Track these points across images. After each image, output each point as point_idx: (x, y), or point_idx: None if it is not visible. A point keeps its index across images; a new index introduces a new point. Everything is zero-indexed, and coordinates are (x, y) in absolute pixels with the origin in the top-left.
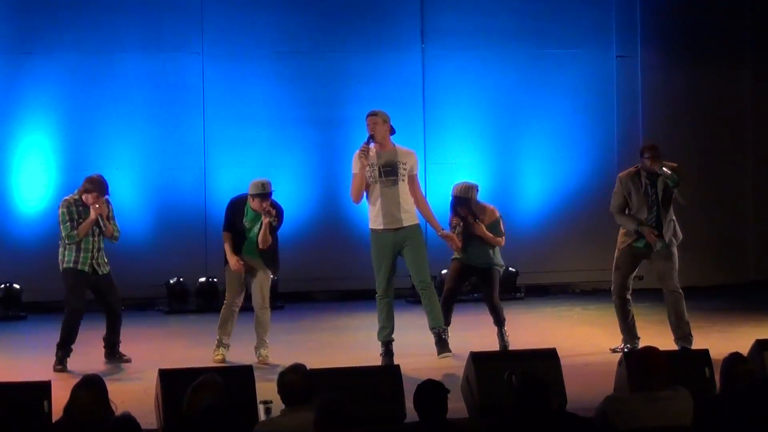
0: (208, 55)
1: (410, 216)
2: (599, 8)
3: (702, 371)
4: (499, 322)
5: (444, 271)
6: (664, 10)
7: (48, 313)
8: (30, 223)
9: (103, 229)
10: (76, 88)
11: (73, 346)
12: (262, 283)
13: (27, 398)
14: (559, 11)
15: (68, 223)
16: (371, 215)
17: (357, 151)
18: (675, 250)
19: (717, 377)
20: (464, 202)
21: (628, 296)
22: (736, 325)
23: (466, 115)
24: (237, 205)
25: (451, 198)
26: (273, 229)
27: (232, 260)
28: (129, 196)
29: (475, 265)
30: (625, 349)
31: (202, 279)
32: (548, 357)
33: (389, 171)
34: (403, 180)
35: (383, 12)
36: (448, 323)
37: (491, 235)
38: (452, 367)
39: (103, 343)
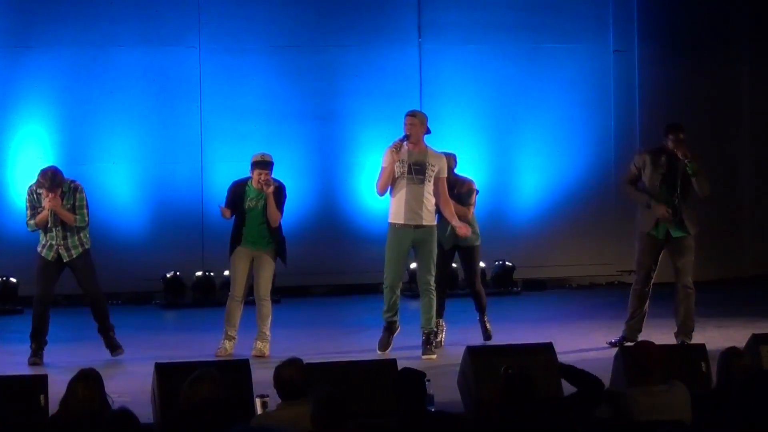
0: (205, 49)
1: (430, 216)
2: (596, 2)
3: (699, 366)
4: (481, 307)
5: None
6: (661, 4)
7: None
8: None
9: (61, 221)
10: (73, 82)
11: (47, 339)
12: (264, 273)
13: (23, 392)
14: (556, 5)
15: (28, 212)
16: (393, 209)
17: (390, 146)
18: (693, 243)
19: (714, 371)
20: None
21: (648, 290)
22: (732, 320)
23: (463, 109)
24: (238, 186)
25: None
26: (278, 204)
27: (222, 210)
28: (126, 190)
29: (456, 244)
30: (623, 343)
31: (199, 273)
32: (545, 351)
33: (418, 169)
34: (429, 181)
35: (380, 6)
36: (440, 315)
37: (461, 208)
38: (449, 361)
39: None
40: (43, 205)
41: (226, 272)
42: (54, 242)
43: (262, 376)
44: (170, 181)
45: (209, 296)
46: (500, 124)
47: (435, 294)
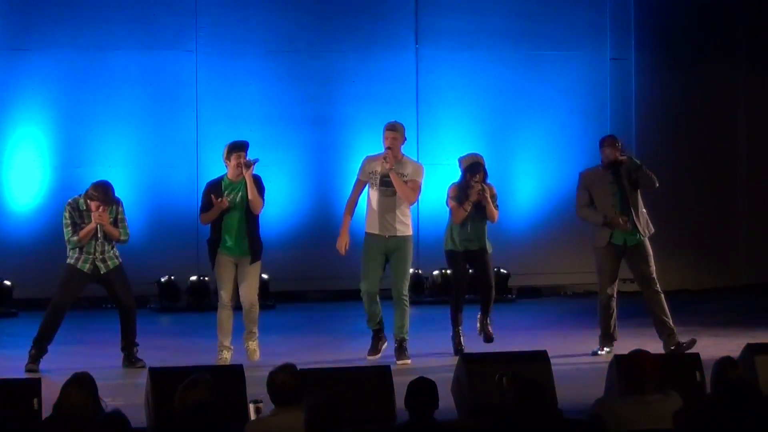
0: (201, 53)
1: (405, 227)
2: (593, 10)
3: (693, 375)
4: (487, 306)
5: (435, 272)
6: (658, 12)
7: (40, 310)
8: (22, 220)
9: (106, 234)
10: (70, 85)
11: (49, 348)
12: (251, 282)
13: (17, 396)
14: (554, 13)
15: (69, 228)
16: (368, 219)
17: (367, 158)
18: (649, 246)
19: (708, 381)
20: (479, 168)
21: (614, 296)
22: (727, 329)
23: (459, 115)
24: (213, 184)
25: (461, 170)
26: (259, 191)
27: (217, 202)
28: (121, 194)
29: (471, 249)
30: (604, 352)
31: (194, 277)
32: (539, 359)
33: (389, 181)
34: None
35: (377, 11)
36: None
37: (493, 207)
38: (443, 368)
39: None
40: (91, 219)
41: None
42: (92, 255)
43: (255, 382)
44: (166, 185)
45: (204, 300)
46: (497, 130)
47: (408, 303)
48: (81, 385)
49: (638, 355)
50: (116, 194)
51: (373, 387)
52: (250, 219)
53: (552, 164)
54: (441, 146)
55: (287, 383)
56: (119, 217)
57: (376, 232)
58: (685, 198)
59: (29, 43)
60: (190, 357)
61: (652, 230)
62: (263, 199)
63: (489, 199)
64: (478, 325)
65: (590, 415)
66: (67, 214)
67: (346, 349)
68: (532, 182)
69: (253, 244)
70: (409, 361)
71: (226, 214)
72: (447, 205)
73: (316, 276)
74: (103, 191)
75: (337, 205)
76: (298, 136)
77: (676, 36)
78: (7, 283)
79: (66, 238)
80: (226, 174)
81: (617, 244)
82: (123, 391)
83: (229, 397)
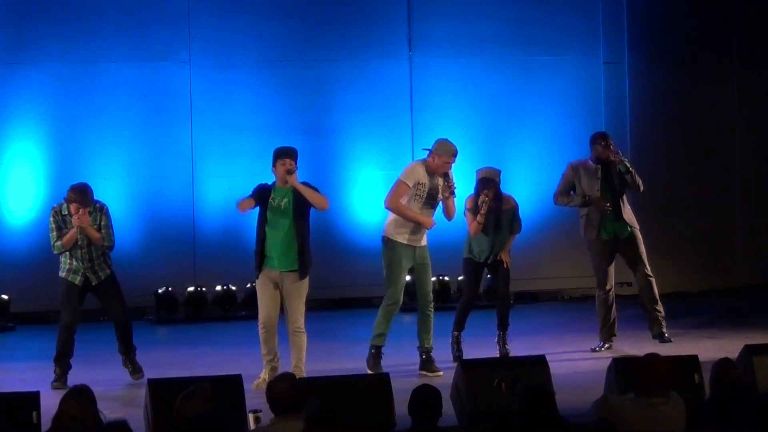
0: (195, 64)
1: (425, 237)
2: (586, 15)
3: (692, 377)
4: (506, 324)
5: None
6: (650, 16)
7: (37, 324)
8: (18, 233)
9: (90, 239)
10: (63, 98)
11: (71, 362)
12: (297, 303)
13: (16, 409)
14: (546, 18)
15: (54, 233)
16: (398, 227)
17: (419, 163)
18: (639, 236)
19: (707, 382)
20: (492, 183)
21: (612, 292)
22: (725, 331)
23: (453, 121)
24: (265, 185)
25: (476, 181)
26: (314, 190)
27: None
28: (117, 206)
29: (492, 262)
30: (604, 348)
31: (191, 288)
32: (537, 364)
33: (433, 195)
34: (440, 200)
35: (370, 20)
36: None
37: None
38: (442, 374)
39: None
40: (71, 223)
41: (218, 287)
42: (81, 265)
43: (255, 392)
44: (161, 196)
45: (201, 311)
46: (491, 136)
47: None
48: (80, 397)
49: (651, 358)
50: (100, 200)
51: (372, 395)
52: (300, 226)
53: (547, 169)
54: None
55: (286, 392)
56: (103, 222)
57: (406, 242)
58: (680, 201)
59: (22, 57)
60: (189, 368)
61: (637, 227)
62: (323, 195)
63: (482, 212)
64: (498, 343)
65: (596, 418)
66: (51, 220)
67: (345, 358)
68: (527, 188)
69: (303, 257)
70: (441, 373)
71: (273, 222)
72: (464, 215)
73: (312, 284)
74: (81, 193)
75: (334, 213)
76: (293, 145)
77: (670, 40)
78: (4, 297)
79: (51, 243)
80: (274, 183)
81: (609, 240)
82: (122, 403)
83: (229, 408)
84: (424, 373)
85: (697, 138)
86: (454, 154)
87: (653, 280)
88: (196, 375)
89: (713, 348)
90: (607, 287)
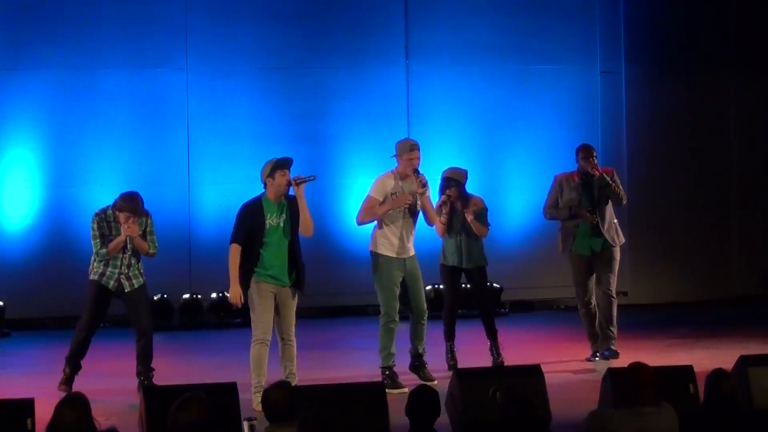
0: (192, 71)
1: (413, 247)
2: (584, 25)
3: (686, 387)
4: (493, 332)
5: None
6: (648, 26)
7: (32, 330)
8: (14, 239)
9: (135, 248)
10: (60, 104)
11: (82, 363)
12: (291, 312)
13: (10, 416)
14: (544, 28)
15: (98, 240)
16: (382, 240)
17: (389, 175)
18: (617, 255)
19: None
20: (455, 183)
21: (593, 303)
22: (720, 341)
23: (450, 130)
24: (253, 207)
25: (440, 180)
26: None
27: (235, 290)
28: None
29: (465, 265)
30: (598, 357)
31: (186, 295)
32: (533, 373)
33: (413, 203)
34: (420, 209)
35: (368, 28)
36: (453, 338)
37: (478, 223)
38: (437, 383)
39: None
40: (120, 231)
41: (214, 294)
42: (117, 270)
43: (250, 399)
44: (157, 203)
45: (197, 319)
46: (488, 145)
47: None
48: (74, 404)
49: (636, 366)
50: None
51: (367, 403)
52: (297, 241)
53: (543, 178)
54: (432, 161)
55: (281, 400)
56: (148, 229)
57: (395, 255)
58: (677, 210)
59: (19, 62)
60: (184, 376)
61: (623, 240)
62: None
63: (471, 219)
64: (491, 352)
65: (585, 428)
66: (95, 225)
67: (339, 366)
68: (523, 196)
69: (301, 274)
70: (435, 381)
71: (271, 240)
72: None
73: (307, 293)
74: (133, 202)
75: (329, 221)
76: (289, 152)
77: (666, 49)
78: (0, 303)
79: (95, 250)
80: (264, 194)
81: (585, 255)
82: (116, 410)
83: (223, 415)
84: (416, 376)
85: (694, 148)
86: (413, 148)
87: (615, 300)
88: (191, 382)
89: (708, 358)
90: (586, 300)
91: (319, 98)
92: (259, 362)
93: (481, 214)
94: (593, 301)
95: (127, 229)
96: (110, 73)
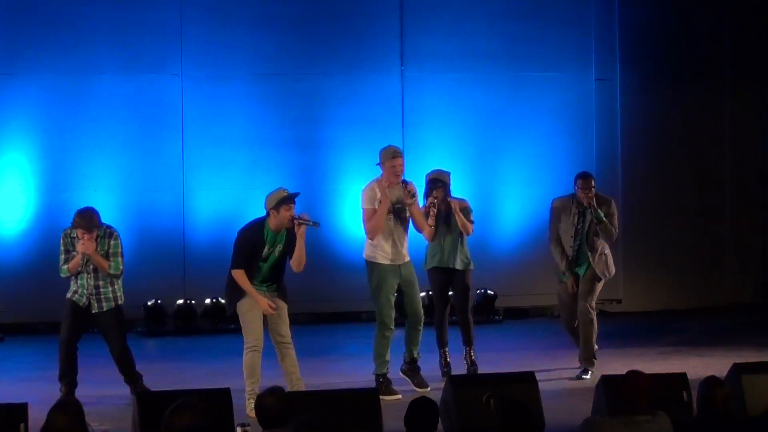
0: (187, 77)
1: (407, 254)
2: (578, 32)
3: (680, 395)
4: (469, 339)
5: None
6: (643, 34)
7: (25, 335)
8: (8, 245)
9: (95, 267)
10: (55, 110)
11: (90, 380)
12: (283, 316)
13: (3, 421)
14: (538, 35)
15: (62, 256)
16: (376, 247)
17: (373, 183)
18: (599, 283)
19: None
20: (441, 184)
21: (576, 324)
22: (713, 349)
23: (445, 137)
24: (254, 233)
25: (425, 183)
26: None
27: (264, 303)
28: (107, 218)
29: (449, 267)
30: (585, 374)
31: (180, 301)
32: (526, 380)
33: (400, 209)
34: (409, 216)
35: (363, 34)
36: (446, 344)
37: (464, 218)
38: (431, 390)
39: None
40: (76, 248)
41: (208, 300)
42: (85, 291)
43: (243, 405)
44: (152, 208)
45: (191, 324)
46: (482, 152)
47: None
48: (68, 410)
49: (631, 375)
50: (105, 222)
51: (361, 410)
52: (284, 264)
53: (538, 185)
54: (426, 168)
55: (275, 406)
56: (111, 251)
57: (390, 262)
58: (670, 218)
59: (14, 68)
60: (177, 381)
61: (612, 273)
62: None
63: (458, 213)
64: (465, 360)
65: None
66: (61, 242)
67: (334, 372)
68: (518, 203)
69: (285, 291)
70: (429, 388)
71: (265, 265)
72: None
73: (302, 299)
74: (85, 219)
75: (323, 227)
76: (284, 159)
77: (661, 56)
78: None
79: (59, 266)
80: (266, 221)
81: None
82: (110, 415)
83: (217, 421)
84: (407, 379)
85: (688, 155)
86: (395, 155)
87: (591, 319)
88: (185, 388)
89: (702, 366)
90: (569, 327)
91: (313, 104)
92: (253, 369)
93: (464, 212)
94: (576, 323)
95: (81, 245)
96: (105, 79)
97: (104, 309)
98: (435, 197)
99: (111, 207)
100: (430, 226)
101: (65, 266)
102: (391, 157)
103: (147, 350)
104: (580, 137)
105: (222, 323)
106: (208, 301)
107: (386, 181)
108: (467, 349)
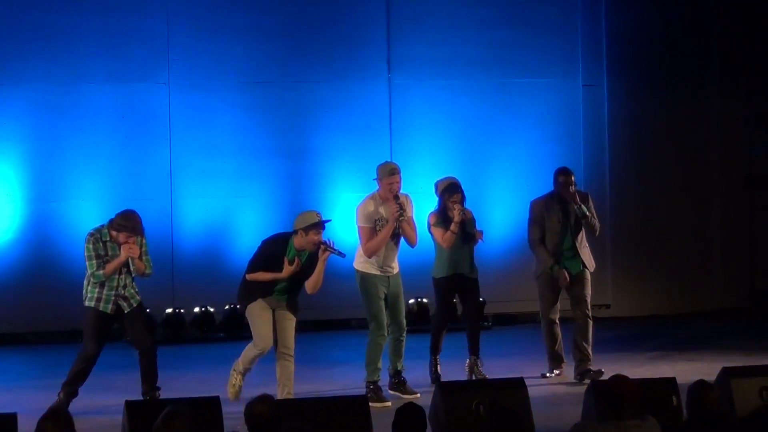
0: (174, 85)
1: (397, 265)
2: (565, 38)
3: (669, 399)
4: (477, 349)
5: (411, 301)
6: (630, 39)
7: (14, 345)
8: None
9: (132, 268)
10: (42, 119)
11: (80, 390)
12: (293, 325)
13: None
14: (525, 41)
15: (93, 261)
16: (367, 262)
17: (368, 200)
18: (589, 276)
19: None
20: (460, 189)
21: (557, 321)
22: (703, 353)
23: (433, 144)
24: (277, 246)
25: (440, 192)
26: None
27: (287, 270)
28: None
29: (464, 274)
30: (554, 375)
31: (169, 310)
32: (516, 386)
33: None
34: (399, 234)
35: (350, 42)
36: (438, 352)
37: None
38: (421, 397)
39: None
40: (118, 252)
41: (196, 309)
42: (113, 293)
43: (232, 413)
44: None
45: (180, 333)
46: (470, 159)
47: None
48: (57, 419)
49: (619, 380)
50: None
51: (351, 417)
52: (299, 287)
53: (525, 191)
54: (415, 175)
55: (264, 414)
56: (143, 249)
57: (380, 273)
58: (659, 223)
59: (1, 77)
60: (167, 390)
61: (593, 266)
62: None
63: (456, 220)
64: (467, 368)
65: None
66: (90, 246)
67: (324, 380)
68: (506, 210)
69: (297, 305)
70: (418, 394)
71: (279, 282)
72: (429, 232)
73: None
74: (132, 221)
75: None
76: (272, 167)
77: (648, 62)
78: None
79: (90, 272)
80: (292, 238)
81: (572, 274)
82: (99, 425)
83: (207, 429)
84: (398, 394)
85: (676, 161)
86: (393, 172)
87: (591, 320)
88: (174, 397)
89: (691, 370)
90: (551, 317)
91: (301, 112)
92: (250, 360)
93: (471, 223)
94: (557, 320)
95: (128, 249)
96: (92, 88)
97: (134, 305)
98: (455, 201)
99: (98, 216)
100: (453, 233)
101: (100, 271)
102: (389, 174)
103: (135, 359)
104: (568, 143)
105: (211, 332)
106: (197, 309)
107: (382, 196)
108: (473, 358)
